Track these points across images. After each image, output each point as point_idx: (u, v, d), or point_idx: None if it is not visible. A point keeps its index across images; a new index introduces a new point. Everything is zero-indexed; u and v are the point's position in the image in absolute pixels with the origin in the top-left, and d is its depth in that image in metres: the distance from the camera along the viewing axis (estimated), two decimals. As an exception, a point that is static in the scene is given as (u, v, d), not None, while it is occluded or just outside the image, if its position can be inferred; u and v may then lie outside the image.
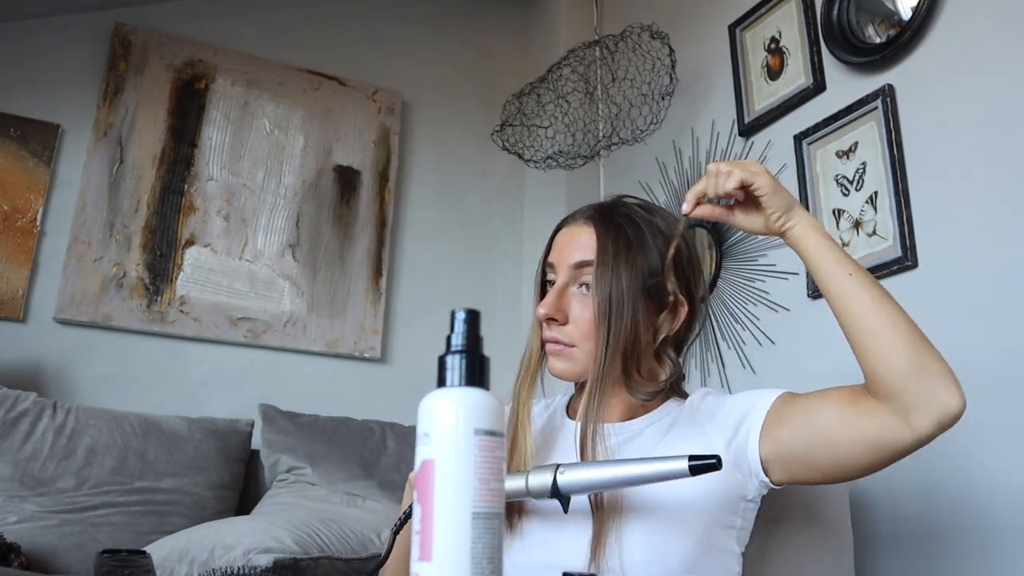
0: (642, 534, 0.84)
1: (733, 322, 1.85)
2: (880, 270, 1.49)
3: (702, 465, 0.74)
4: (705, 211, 0.90)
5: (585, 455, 0.88)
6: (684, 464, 0.74)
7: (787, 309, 1.71)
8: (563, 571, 0.61)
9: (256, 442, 1.94)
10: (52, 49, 2.13)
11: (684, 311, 0.96)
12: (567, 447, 0.95)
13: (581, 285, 0.94)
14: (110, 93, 2.15)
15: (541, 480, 0.79)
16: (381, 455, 1.93)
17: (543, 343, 0.96)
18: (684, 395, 1.00)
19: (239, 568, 1.18)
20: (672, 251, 0.92)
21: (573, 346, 0.93)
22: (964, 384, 1.33)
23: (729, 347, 1.85)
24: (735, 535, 0.90)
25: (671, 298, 0.95)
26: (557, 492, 0.78)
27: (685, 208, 0.89)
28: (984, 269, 1.33)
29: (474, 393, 0.51)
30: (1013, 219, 1.30)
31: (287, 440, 1.89)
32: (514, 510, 0.91)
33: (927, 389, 0.76)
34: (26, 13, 2.10)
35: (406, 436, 2.00)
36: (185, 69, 2.27)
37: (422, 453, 0.50)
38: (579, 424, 0.89)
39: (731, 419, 0.89)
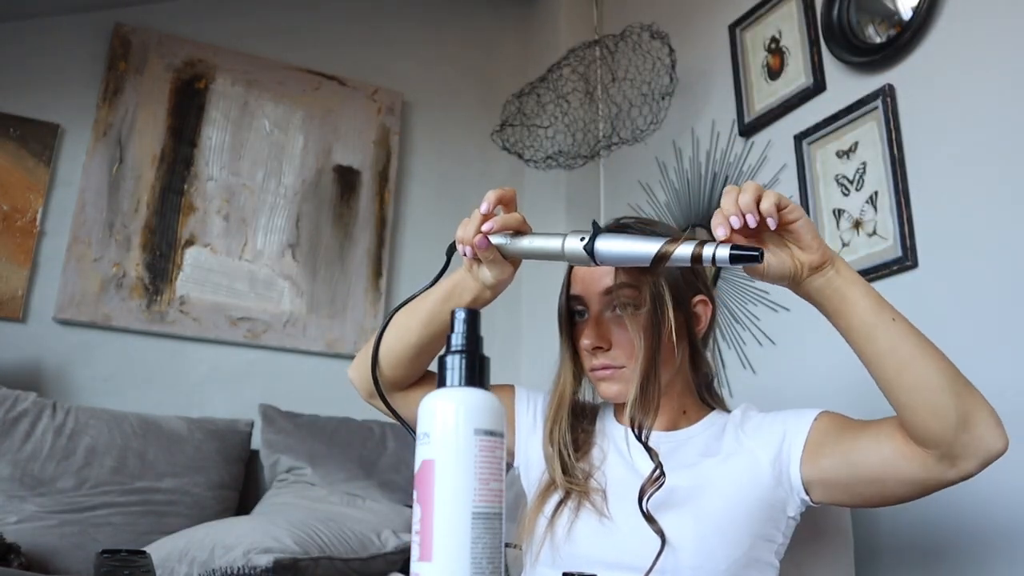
0: (693, 540, 0.85)
1: (733, 322, 1.85)
2: (880, 270, 1.49)
3: (744, 255, 0.71)
4: (739, 239, 0.77)
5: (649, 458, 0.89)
6: (726, 251, 0.72)
7: (787, 309, 1.71)
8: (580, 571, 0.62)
9: (256, 442, 1.94)
10: (52, 49, 2.13)
11: (710, 309, 1.00)
12: (617, 453, 0.98)
13: (614, 308, 0.96)
14: (110, 93, 2.15)
15: (574, 244, 0.83)
16: (381, 455, 1.93)
17: (577, 376, 1.00)
18: (724, 405, 1.04)
19: (239, 568, 1.18)
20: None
21: (623, 367, 0.95)
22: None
23: (729, 347, 1.85)
24: (774, 549, 0.92)
25: (697, 298, 0.99)
26: (591, 253, 0.80)
27: (720, 233, 0.74)
28: (984, 269, 1.33)
29: (474, 393, 0.51)
30: (1013, 219, 1.30)
31: (287, 440, 1.89)
32: (564, 511, 0.93)
33: (975, 437, 0.76)
34: (26, 13, 2.10)
35: (406, 436, 2.00)
36: (185, 69, 2.27)
37: (422, 453, 0.50)
38: (627, 426, 0.90)
39: (774, 437, 0.92)
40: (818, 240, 0.77)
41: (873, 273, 1.51)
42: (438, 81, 2.67)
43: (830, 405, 0.94)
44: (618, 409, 1.04)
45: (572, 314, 1.01)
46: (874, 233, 1.54)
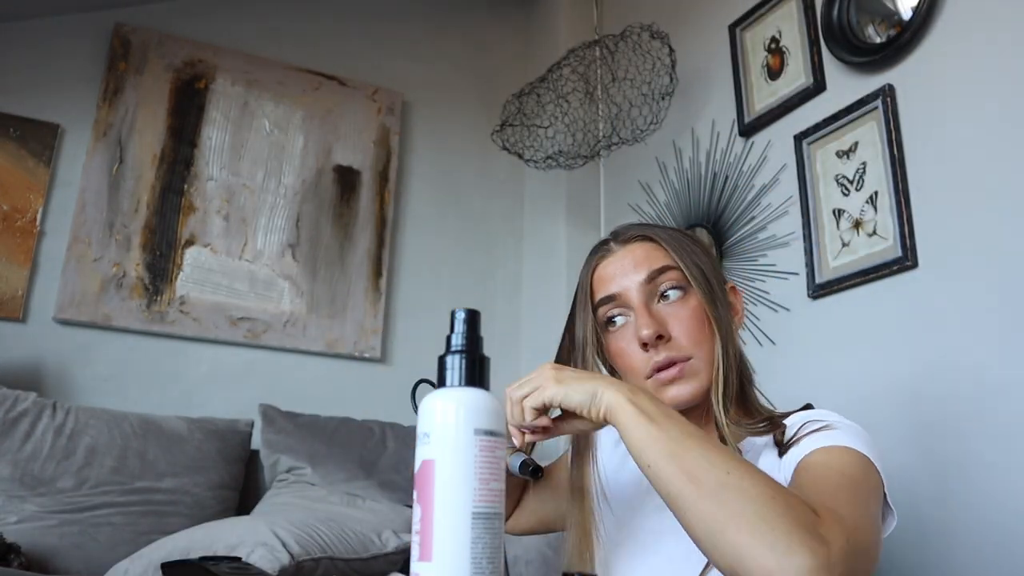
0: None
1: (733, 322, 1.85)
2: (880, 270, 1.49)
3: (528, 469, 0.76)
4: (534, 438, 0.74)
5: None
6: (516, 462, 0.77)
7: (787, 309, 1.71)
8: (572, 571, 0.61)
9: (256, 442, 1.94)
10: (52, 49, 2.13)
11: (740, 297, 0.93)
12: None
13: (663, 295, 0.85)
14: (110, 93, 2.15)
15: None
16: (381, 455, 1.93)
17: (646, 375, 0.84)
18: (767, 411, 0.87)
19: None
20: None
21: (689, 358, 0.83)
22: (963, 385, 1.34)
23: (729, 347, 1.85)
24: None
25: (728, 284, 0.91)
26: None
27: (516, 443, 0.74)
28: (984, 269, 1.33)
29: (474, 393, 0.51)
30: (1013, 219, 1.30)
31: (287, 440, 1.89)
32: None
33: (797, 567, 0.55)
34: (26, 13, 2.10)
35: (406, 436, 2.00)
36: (185, 69, 2.27)
37: (422, 453, 0.50)
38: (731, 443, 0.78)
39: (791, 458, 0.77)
40: (582, 397, 0.69)
41: (873, 273, 1.51)
42: (438, 81, 2.67)
43: (828, 405, 0.92)
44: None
45: (608, 322, 0.87)
46: (874, 233, 1.54)
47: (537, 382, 0.71)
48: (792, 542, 0.55)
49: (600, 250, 0.91)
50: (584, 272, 0.91)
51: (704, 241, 0.93)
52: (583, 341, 0.87)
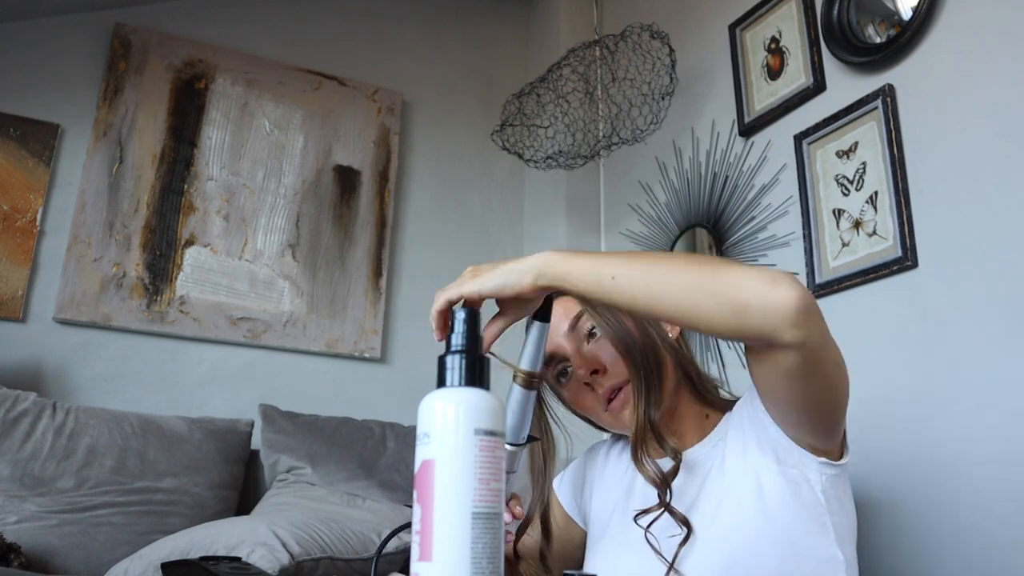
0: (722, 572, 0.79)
1: (733, 322, 1.85)
2: (880, 270, 1.49)
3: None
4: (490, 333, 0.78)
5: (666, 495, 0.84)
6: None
7: (787, 309, 1.71)
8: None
9: (256, 442, 1.94)
10: (52, 49, 2.13)
11: None
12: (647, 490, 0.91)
13: (587, 338, 0.93)
14: (110, 93, 2.15)
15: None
16: (381, 455, 1.93)
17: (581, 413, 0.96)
18: (728, 402, 0.95)
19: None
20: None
21: (628, 383, 0.90)
22: (963, 384, 1.34)
23: (729, 347, 1.85)
24: (833, 533, 0.80)
25: None
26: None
27: (436, 336, 0.72)
28: (984, 269, 1.32)
29: (474, 393, 0.51)
30: (1013, 219, 1.30)
31: (287, 440, 1.89)
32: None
33: (759, 316, 0.67)
34: (26, 13, 2.10)
35: (406, 436, 2.00)
36: (185, 69, 2.26)
37: (422, 453, 0.50)
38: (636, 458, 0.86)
39: (747, 429, 0.84)
40: (511, 284, 0.75)
41: (873, 273, 1.51)
42: (438, 81, 2.67)
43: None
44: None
45: (559, 377, 0.96)
46: (874, 233, 1.54)
47: (457, 282, 0.77)
48: (776, 278, 0.67)
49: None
50: None
51: None
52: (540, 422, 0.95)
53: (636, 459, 0.85)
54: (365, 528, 1.48)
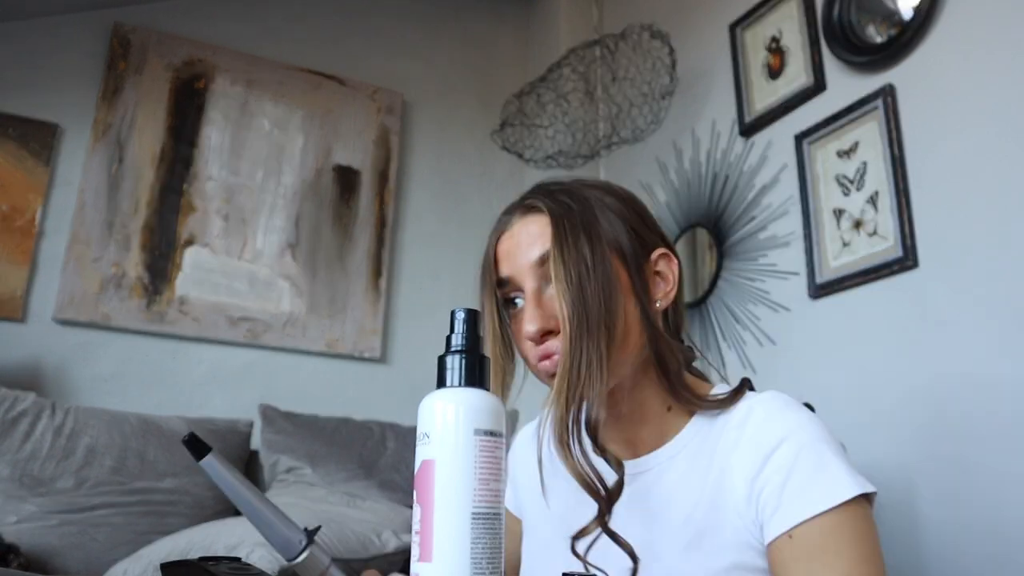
0: None
1: (733, 322, 1.85)
2: (880, 270, 1.49)
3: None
4: None
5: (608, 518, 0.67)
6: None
7: (787, 309, 1.71)
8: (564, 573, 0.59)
9: (256, 442, 1.94)
10: (51, 49, 2.13)
11: (675, 264, 0.78)
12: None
13: (546, 282, 0.74)
14: (109, 93, 2.15)
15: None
16: (381, 455, 1.93)
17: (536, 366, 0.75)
18: (715, 401, 0.75)
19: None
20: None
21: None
22: (963, 384, 1.33)
23: (729, 347, 1.85)
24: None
25: (657, 252, 0.77)
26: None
27: None
28: (984, 269, 1.32)
29: (474, 393, 0.51)
30: (1013, 219, 1.29)
31: (287, 440, 1.88)
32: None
33: None
34: (25, 13, 2.10)
35: (406, 436, 2.00)
36: (184, 68, 2.26)
37: (422, 453, 0.49)
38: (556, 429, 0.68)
39: (755, 461, 0.68)
40: None
41: (873, 273, 1.51)
42: (438, 81, 2.66)
43: (828, 403, 0.92)
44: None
45: (503, 308, 0.78)
46: (874, 233, 1.54)
47: None
48: None
49: (502, 219, 0.80)
50: (489, 242, 0.80)
51: (622, 205, 0.77)
52: (488, 321, 0.77)
53: (565, 455, 0.67)
54: (365, 528, 1.48)
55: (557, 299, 0.70)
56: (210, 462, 0.66)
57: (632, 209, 0.78)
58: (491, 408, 0.50)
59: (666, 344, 0.75)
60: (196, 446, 0.65)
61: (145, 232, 2.10)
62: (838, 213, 1.63)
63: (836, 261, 1.61)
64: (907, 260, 1.44)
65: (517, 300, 0.76)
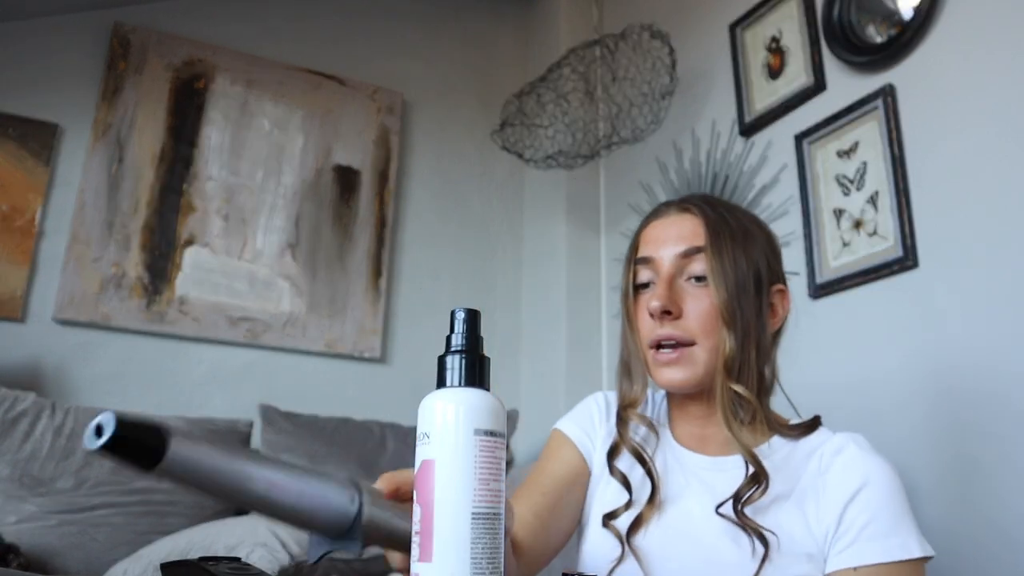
0: None
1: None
2: (880, 270, 1.49)
3: None
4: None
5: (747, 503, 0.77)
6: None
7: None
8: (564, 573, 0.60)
9: (256, 442, 1.94)
10: (51, 49, 2.13)
11: (788, 301, 0.89)
12: (690, 485, 0.84)
13: (690, 278, 0.83)
14: (109, 92, 2.15)
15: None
16: (381, 455, 1.93)
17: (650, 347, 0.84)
18: (785, 426, 0.86)
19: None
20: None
21: (692, 344, 0.82)
22: (963, 385, 1.33)
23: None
24: None
25: (776, 287, 0.87)
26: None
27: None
28: (984, 269, 1.32)
29: (474, 393, 0.51)
30: (1013, 219, 1.29)
31: (287, 440, 1.88)
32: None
33: None
34: (25, 13, 2.10)
35: (406, 436, 2.00)
36: (184, 68, 2.26)
37: (422, 453, 0.49)
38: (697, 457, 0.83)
39: (845, 523, 0.77)
40: None
41: (873, 273, 1.51)
42: (438, 81, 2.66)
43: (829, 403, 0.92)
44: (674, 409, 0.91)
45: (636, 289, 0.87)
46: (874, 233, 1.54)
47: None
48: None
49: (657, 211, 0.91)
50: (639, 227, 0.91)
51: (764, 235, 0.88)
52: (623, 292, 0.88)
53: (738, 444, 0.78)
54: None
55: (713, 302, 0.80)
56: (177, 455, 0.43)
57: (771, 244, 0.89)
58: (491, 408, 0.50)
59: (768, 365, 0.85)
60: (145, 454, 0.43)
61: (145, 232, 2.10)
62: (838, 213, 1.63)
63: (836, 261, 1.61)
64: (907, 260, 1.44)
65: (649, 283, 0.85)
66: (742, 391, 0.81)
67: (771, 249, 0.88)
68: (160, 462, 0.42)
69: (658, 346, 0.83)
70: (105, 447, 0.40)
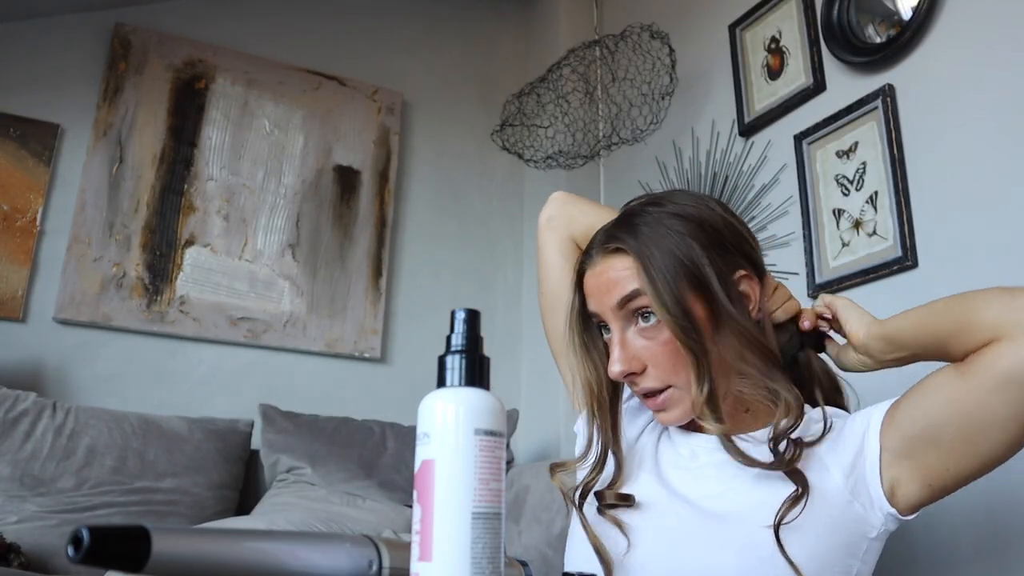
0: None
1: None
2: (880, 270, 1.49)
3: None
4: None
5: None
6: None
7: (787, 309, 1.71)
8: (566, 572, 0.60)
9: (256, 442, 1.94)
10: (52, 49, 2.13)
11: (756, 283, 0.85)
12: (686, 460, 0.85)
13: (637, 318, 0.81)
14: (110, 93, 2.15)
15: None
16: (381, 455, 1.93)
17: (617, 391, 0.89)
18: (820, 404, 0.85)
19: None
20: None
21: (668, 387, 0.81)
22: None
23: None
24: None
25: (739, 274, 0.83)
26: None
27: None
28: (984, 269, 1.32)
29: (474, 393, 0.51)
30: (1013, 219, 1.30)
31: (287, 440, 1.89)
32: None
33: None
34: (26, 13, 2.10)
35: (406, 436, 2.00)
36: (185, 69, 2.27)
37: (422, 453, 0.50)
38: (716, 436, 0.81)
39: (850, 445, 0.77)
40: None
41: (873, 273, 1.51)
42: (438, 81, 2.67)
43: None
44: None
45: (597, 329, 0.87)
46: (874, 233, 1.54)
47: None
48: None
49: (588, 253, 0.87)
50: (578, 266, 0.88)
51: (711, 222, 0.84)
52: (570, 326, 0.88)
53: (733, 450, 0.78)
54: (365, 528, 1.48)
55: (669, 336, 0.79)
56: (162, 555, 0.41)
57: (713, 235, 0.83)
58: (491, 408, 0.50)
59: (763, 355, 0.81)
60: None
61: (145, 232, 2.11)
62: (838, 213, 1.63)
63: (836, 261, 1.61)
64: (906, 260, 1.44)
65: (605, 332, 0.85)
66: (747, 390, 0.82)
67: (717, 240, 0.83)
68: (146, 563, 0.41)
69: (644, 397, 0.84)
70: (85, 559, 0.39)
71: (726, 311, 0.80)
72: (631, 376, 0.81)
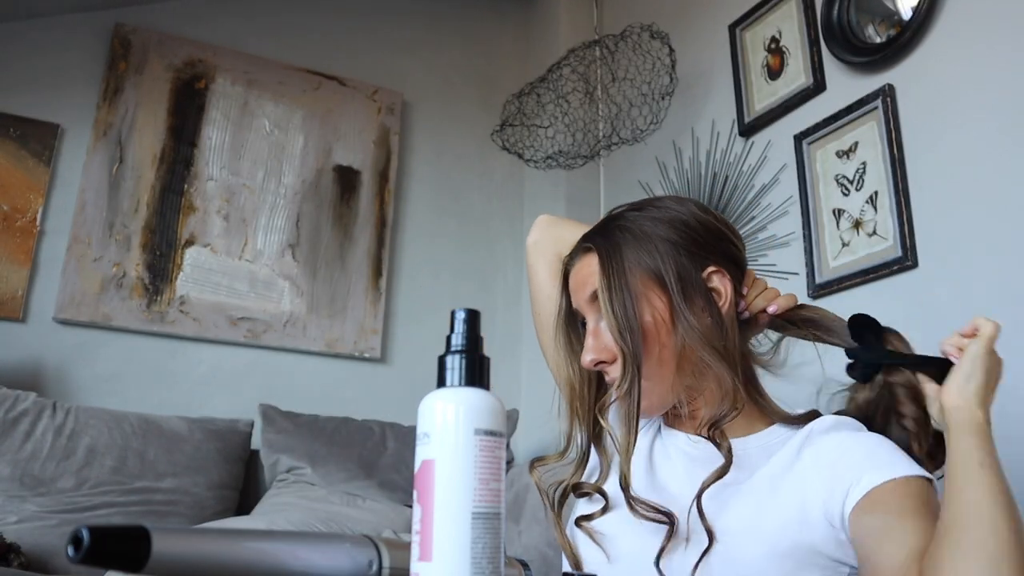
0: None
1: (733, 322, 1.85)
2: (880, 270, 1.49)
3: None
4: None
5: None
6: None
7: (787, 309, 1.71)
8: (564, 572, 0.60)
9: (256, 442, 1.94)
10: (52, 49, 2.13)
11: (728, 279, 0.84)
12: (673, 461, 0.86)
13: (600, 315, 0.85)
14: (110, 93, 2.15)
15: None
16: (381, 455, 1.93)
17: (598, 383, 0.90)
18: (784, 415, 0.86)
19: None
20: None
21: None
22: (964, 384, 1.33)
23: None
24: None
25: (709, 270, 0.83)
26: None
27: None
28: (984, 268, 1.33)
29: (474, 393, 0.51)
30: (1013, 218, 1.30)
31: (287, 440, 1.89)
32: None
33: None
34: (26, 13, 2.10)
35: (406, 436, 2.00)
36: (185, 69, 2.27)
37: (422, 453, 0.50)
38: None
39: (842, 479, 0.74)
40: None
41: (873, 273, 1.51)
42: (438, 81, 2.67)
43: (828, 406, 0.92)
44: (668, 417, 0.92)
45: (582, 327, 0.90)
46: (874, 233, 1.54)
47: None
48: None
49: (567, 260, 0.92)
50: (564, 267, 0.93)
51: (682, 220, 0.85)
52: (560, 326, 0.92)
53: (714, 437, 0.78)
54: (364, 528, 1.48)
55: (609, 331, 0.81)
56: (163, 554, 0.41)
57: (683, 232, 0.85)
58: (491, 408, 0.50)
59: (733, 354, 0.82)
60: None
61: (145, 232, 2.11)
62: (838, 213, 1.63)
63: (836, 261, 1.61)
64: (906, 260, 1.44)
65: (588, 323, 0.88)
66: (699, 384, 0.83)
67: (688, 239, 0.84)
68: (146, 563, 0.41)
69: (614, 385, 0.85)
70: (85, 559, 0.39)
71: (678, 308, 0.81)
72: (601, 365, 0.84)
